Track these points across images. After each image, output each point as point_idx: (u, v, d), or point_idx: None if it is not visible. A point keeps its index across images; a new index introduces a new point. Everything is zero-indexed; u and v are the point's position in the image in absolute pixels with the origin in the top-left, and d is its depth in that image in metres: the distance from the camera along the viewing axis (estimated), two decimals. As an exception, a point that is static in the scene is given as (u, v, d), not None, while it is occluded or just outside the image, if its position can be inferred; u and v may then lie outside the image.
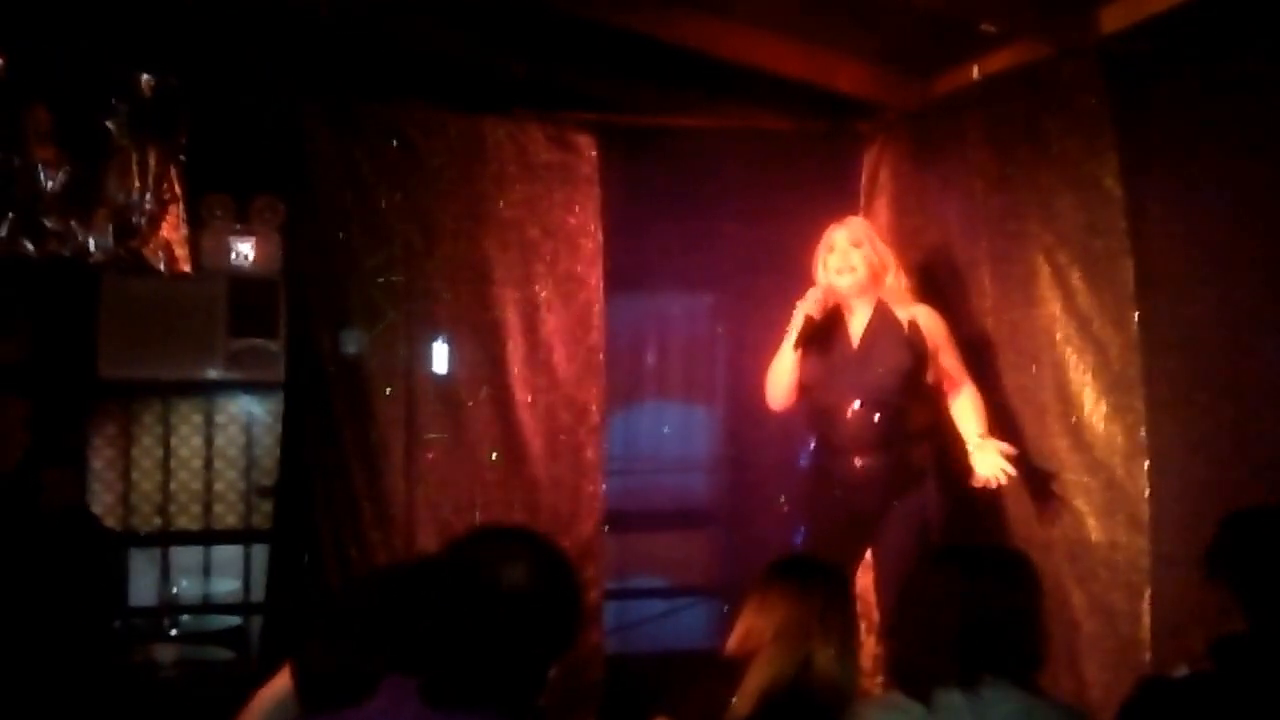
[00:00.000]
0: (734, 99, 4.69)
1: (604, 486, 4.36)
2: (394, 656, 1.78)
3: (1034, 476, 3.65)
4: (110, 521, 5.18)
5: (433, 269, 4.19)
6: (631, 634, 5.34)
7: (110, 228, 4.02)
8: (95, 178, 4.00)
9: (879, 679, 3.65)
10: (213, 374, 5.19)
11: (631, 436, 5.68)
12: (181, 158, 4.11)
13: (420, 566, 1.97)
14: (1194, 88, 3.33)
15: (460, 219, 4.22)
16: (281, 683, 2.03)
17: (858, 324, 3.71)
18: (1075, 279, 3.54)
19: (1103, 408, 3.45)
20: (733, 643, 2.51)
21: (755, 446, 5.11)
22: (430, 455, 4.15)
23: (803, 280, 3.77)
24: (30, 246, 3.92)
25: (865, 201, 4.51)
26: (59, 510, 4.07)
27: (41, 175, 3.90)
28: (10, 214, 3.87)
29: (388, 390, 4.13)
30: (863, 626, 3.19)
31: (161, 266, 4.15)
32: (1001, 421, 3.75)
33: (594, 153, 4.33)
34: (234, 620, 5.23)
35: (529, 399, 4.25)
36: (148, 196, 4.05)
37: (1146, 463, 3.31)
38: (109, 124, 3.98)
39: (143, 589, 5.33)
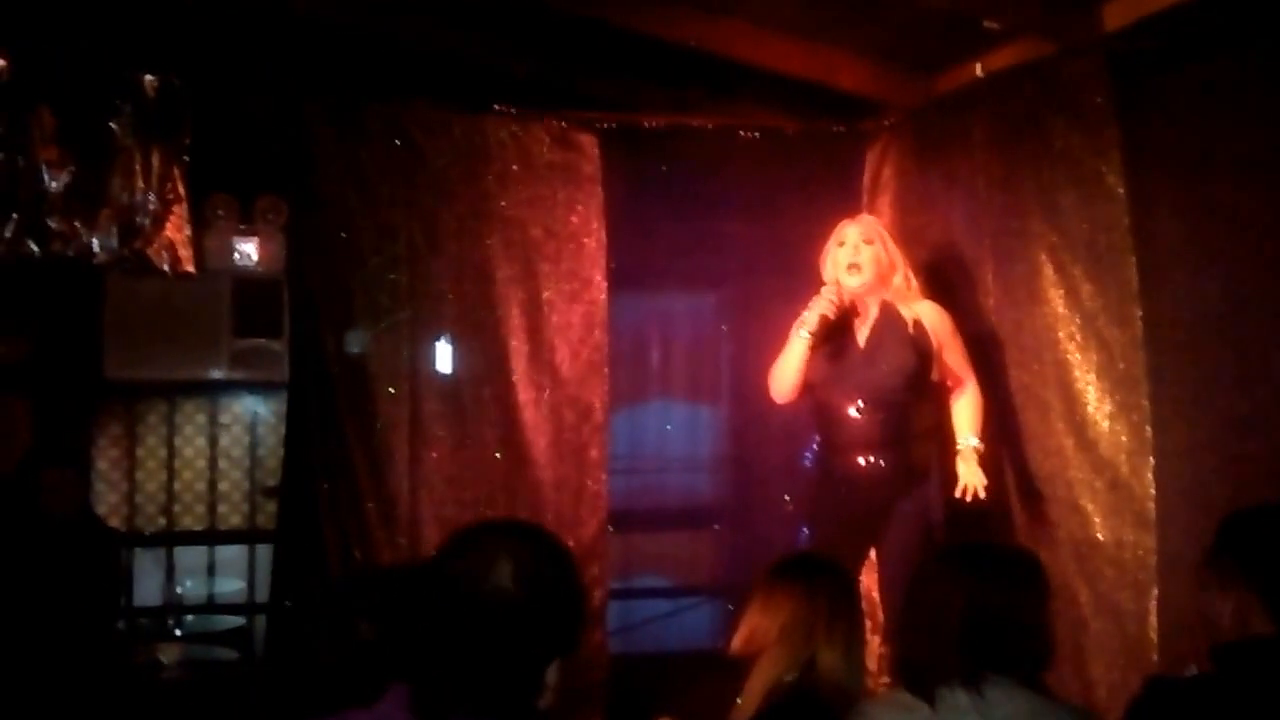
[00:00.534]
0: (737, 98, 4.70)
1: (607, 486, 4.36)
2: (394, 660, 1.75)
3: (1039, 475, 3.65)
4: (115, 521, 5.19)
5: (436, 269, 4.19)
6: (635, 634, 5.33)
7: (114, 228, 4.03)
8: (99, 178, 4.01)
9: (884, 679, 3.64)
10: (217, 374, 5.20)
11: (635, 436, 5.67)
12: (185, 158, 4.12)
13: (414, 570, 1.93)
14: (1197, 85, 3.33)
15: (464, 218, 4.22)
16: None
17: (864, 324, 3.70)
18: (1079, 276, 3.53)
19: (1107, 406, 3.44)
20: (737, 642, 2.50)
21: (759, 446, 5.11)
22: (434, 454, 4.15)
23: (806, 279, 3.76)
24: (35, 247, 3.93)
25: (868, 200, 4.50)
26: (59, 511, 4.08)
27: (46, 176, 3.90)
28: (14, 215, 3.88)
29: (391, 390, 4.13)
30: (867, 626, 3.18)
31: (165, 267, 4.16)
32: (1005, 420, 3.74)
33: (597, 152, 4.32)
34: (238, 620, 5.23)
35: (533, 398, 4.25)
36: (151, 197, 4.06)
37: (1152, 461, 3.31)
38: (113, 125, 3.99)
39: (147, 589, 5.34)
